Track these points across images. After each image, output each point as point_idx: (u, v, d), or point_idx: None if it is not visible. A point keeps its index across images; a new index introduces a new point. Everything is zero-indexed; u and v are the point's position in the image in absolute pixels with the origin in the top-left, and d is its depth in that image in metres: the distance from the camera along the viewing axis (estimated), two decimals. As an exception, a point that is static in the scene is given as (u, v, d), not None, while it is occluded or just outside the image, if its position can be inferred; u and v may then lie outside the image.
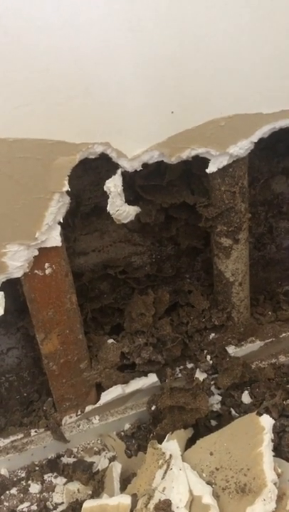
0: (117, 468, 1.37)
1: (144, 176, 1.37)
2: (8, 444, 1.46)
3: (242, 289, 1.55)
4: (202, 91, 1.19)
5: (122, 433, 1.53)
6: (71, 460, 1.47)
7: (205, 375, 1.55)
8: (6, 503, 1.40)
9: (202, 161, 1.30)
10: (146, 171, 1.32)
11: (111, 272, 1.53)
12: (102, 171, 1.31)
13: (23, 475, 1.46)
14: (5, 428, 1.50)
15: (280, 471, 1.15)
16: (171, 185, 1.43)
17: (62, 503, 1.39)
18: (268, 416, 1.25)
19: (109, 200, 1.22)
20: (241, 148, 1.28)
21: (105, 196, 1.23)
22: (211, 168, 1.30)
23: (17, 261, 1.21)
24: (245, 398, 1.51)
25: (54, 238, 1.22)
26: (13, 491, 1.42)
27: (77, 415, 1.51)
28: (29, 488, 1.42)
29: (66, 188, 1.16)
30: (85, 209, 1.41)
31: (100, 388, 1.52)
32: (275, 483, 1.12)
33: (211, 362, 1.56)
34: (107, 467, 1.40)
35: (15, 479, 1.45)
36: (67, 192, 1.17)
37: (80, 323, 1.40)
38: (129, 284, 1.59)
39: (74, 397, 1.48)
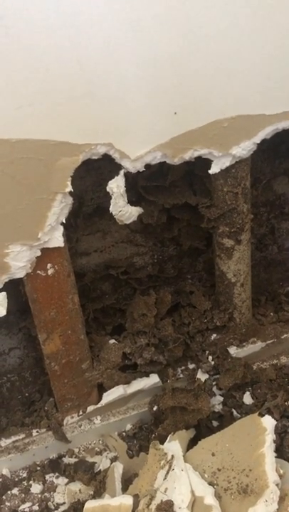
0: (118, 469, 1.37)
1: (146, 177, 1.37)
2: (9, 444, 1.46)
3: (244, 289, 1.55)
4: (205, 92, 1.19)
5: (124, 433, 1.53)
6: (73, 460, 1.48)
7: (206, 376, 1.55)
8: (7, 503, 1.40)
9: (205, 162, 1.30)
10: (149, 171, 1.32)
11: (113, 272, 1.53)
12: (105, 172, 1.31)
13: (25, 475, 1.46)
14: (7, 428, 1.50)
15: (282, 472, 1.15)
16: (174, 186, 1.43)
17: (64, 503, 1.39)
18: (270, 417, 1.25)
19: (112, 201, 1.22)
20: (244, 149, 1.28)
21: (108, 197, 1.23)
22: (214, 169, 1.30)
23: (19, 261, 1.21)
24: (247, 399, 1.51)
25: (57, 239, 1.22)
26: (15, 491, 1.43)
27: (78, 415, 1.51)
28: (31, 489, 1.43)
29: (69, 188, 1.16)
30: (87, 209, 1.41)
31: (102, 388, 1.52)
32: (277, 484, 1.11)
33: (212, 362, 1.56)
34: (109, 467, 1.40)
35: (16, 479, 1.45)
36: (70, 193, 1.17)
37: (82, 324, 1.40)
38: (131, 285, 1.59)
39: (76, 397, 1.48)
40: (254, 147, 1.29)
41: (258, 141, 1.28)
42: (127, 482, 1.34)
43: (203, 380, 1.52)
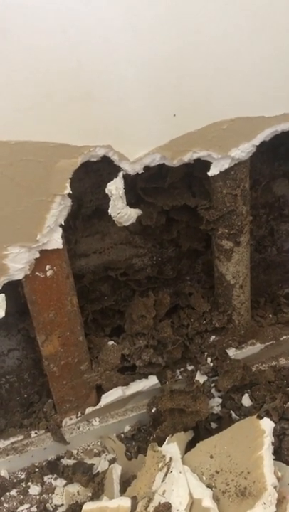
0: (117, 471, 1.37)
1: (145, 179, 1.37)
2: (8, 446, 1.46)
3: (243, 291, 1.55)
4: (204, 94, 1.19)
5: (122, 435, 1.53)
6: (71, 462, 1.47)
7: (205, 378, 1.55)
8: (5, 505, 1.40)
9: (204, 164, 1.29)
10: (148, 173, 1.31)
11: (112, 273, 1.53)
12: (104, 174, 1.31)
13: (23, 476, 1.46)
14: (5, 429, 1.50)
15: (280, 474, 1.15)
16: (173, 188, 1.43)
17: (62, 505, 1.39)
18: (268, 419, 1.25)
19: (111, 203, 1.22)
20: (243, 151, 1.28)
21: (107, 198, 1.23)
22: (213, 171, 1.30)
23: (18, 263, 1.21)
24: (246, 401, 1.51)
25: (55, 240, 1.22)
26: (13, 492, 1.43)
27: (77, 417, 1.51)
28: (29, 490, 1.43)
29: (68, 190, 1.16)
30: (86, 211, 1.41)
31: (101, 390, 1.52)
32: (275, 487, 1.11)
33: (211, 364, 1.56)
34: (107, 469, 1.40)
35: (15, 481, 1.45)
36: (69, 194, 1.17)
37: (80, 325, 1.40)
38: (130, 286, 1.59)
39: (74, 398, 1.48)
40: (253, 149, 1.29)
41: (257, 144, 1.28)
42: (125, 484, 1.34)
43: (201, 381, 1.52)
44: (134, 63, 1.10)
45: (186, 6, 1.08)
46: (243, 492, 1.13)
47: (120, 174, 1.21)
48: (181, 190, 1.44)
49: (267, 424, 1.23)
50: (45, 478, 1.45)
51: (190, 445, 1.33)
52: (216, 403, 1.53)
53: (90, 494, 1.37)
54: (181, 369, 1.58)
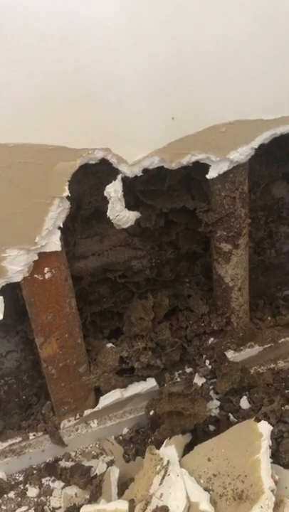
0: (114, 473, 1.37)
1: (144, 181, 1.37)
2: (6, 448, 1.46)
3: (241, 294, 1.55)
4: (203, 97, 1.19)
5: (121, 437, 1.53)
6: (69, 464, 1.47)
7: (204, 380, 1.55)
8: (3, 507, 1.40)
9: (202, 166, 1.30)
10: (147, 175, 1.32)
11: (111, 275, 1.53)
12: (103, 176, 1.31)
13: (21, 479, 1.46)
14: (3, 431, 1.50)
15: (277, 478, 1.15)
16: (172, 190, 1.43)
17: (60, 507, 1.39)
18: (266, 422, 1.24)
19: (110, 206, 1.22)
20: (242, 154, 1.28)
21: (105, 200, 1.23)
22: (212, 174, 1.30)
23: (17, 265, 1.21)
24: (244, 403, 1.51)
25: (54, 243, 1.22)
26: (11, 494, 1.42)
27: (75, 419, 1.51)
28: (27, 492, 1.42)
29: (66, 193, 1.16)
30: (85, 213, 1.41)
31: (99, 392, 1.51)
32: (272, 490, 1.11)
33: (209, 367, 1.55)
34: (105, 472, 1.40)
35: (13, 483, 1.45)
36: (68, 197, 1.17)
37: (79, 327, 1.40)
38: (129, 288, 1.59)
39: (72, 400, 1.48)
40: (252, 152, 1.29)
41: (256, 146, 1.28)
42: (123, 486, 1.34)
43: (200, 384, 1.52)
44: (134, 66, 1.10)
45: (184, 10, 1.08)
46: (240, 495, 1.13)
47: (119, 177, 1.21)
48: (180, 192, 1.44)
49: (265, 428, 1.23)
50: (43, 481, 1.45)
51: (188, 448, 1.33)
52: (214, 406, 1.52)
53: (87, 497, 1.37)
54: (180, 371, 1.58)
